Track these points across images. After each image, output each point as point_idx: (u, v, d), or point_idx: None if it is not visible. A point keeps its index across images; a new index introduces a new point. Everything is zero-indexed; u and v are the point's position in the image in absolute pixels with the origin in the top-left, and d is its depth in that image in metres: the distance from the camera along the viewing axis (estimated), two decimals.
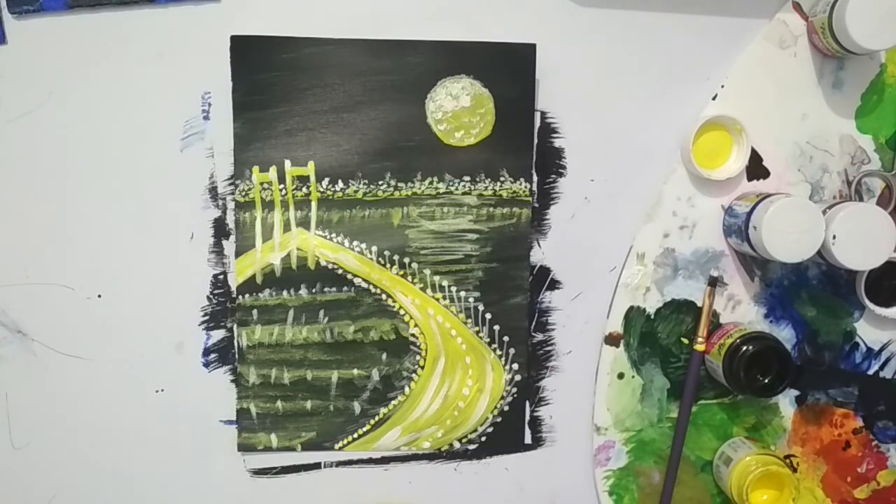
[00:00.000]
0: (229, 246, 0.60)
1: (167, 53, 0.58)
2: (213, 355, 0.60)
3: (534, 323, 0.62)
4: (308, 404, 0.61)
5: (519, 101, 0.60)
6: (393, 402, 0.61)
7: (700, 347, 0.61)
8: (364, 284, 0.60)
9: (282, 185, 0.59)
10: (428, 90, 0.59)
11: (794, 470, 0.64)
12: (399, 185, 0.60)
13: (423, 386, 0.61)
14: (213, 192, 0.59)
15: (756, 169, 0.61)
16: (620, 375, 0.63)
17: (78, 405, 0.60)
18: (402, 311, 0.61)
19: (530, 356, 0.62)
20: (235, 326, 0.60)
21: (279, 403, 0.61)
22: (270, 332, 0.60)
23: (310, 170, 0.59)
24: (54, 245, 0.59)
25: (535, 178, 0.61)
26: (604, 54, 0.60)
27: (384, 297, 0.60)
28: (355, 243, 0.60)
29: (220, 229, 0.60)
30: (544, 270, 0.62)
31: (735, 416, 0.64)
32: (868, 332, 0.64)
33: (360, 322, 0.60)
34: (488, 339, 0.61)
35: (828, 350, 0.64)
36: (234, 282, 0.60)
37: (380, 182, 0.59)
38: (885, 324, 0.63)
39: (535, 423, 0.63)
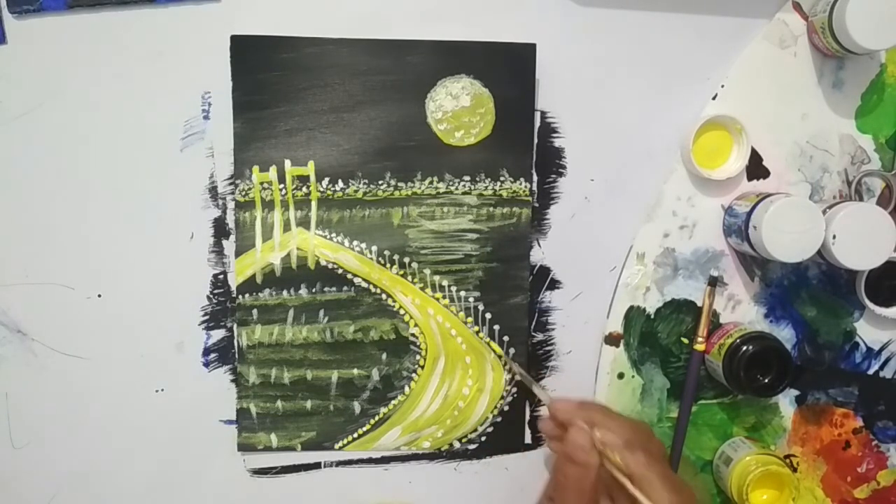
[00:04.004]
0: (229, 246, 0.60)
1: (167, 53, 0.58)
2: (213, 355, 0.60)
3: (534, 323, 0.62)
4: (308, 404, 0.61)
5: (519, 100, 0.60)
6: (393, 402, 0.61)
7: (700, 347, 0.61)
8: (364, 284, 0.60)
9: (282, 185, 0.59)
10: (428, 90, 0.59)
11: (794, 470, 0.64)
12: (399, 184, 0.60)
13: (423, 386, 0.61)
14: (213, 191, 0.59)
15: (756, 169, 0.61)
16: (620, 375, 0.63)
17: (78, 405, 0.60)
18: (402, 311, 0.61)
19: (530, 356, 0.62)
20: (235, 326, 0.60)
21: (279, 403, 0.61)
22: (270, 331, 0.60)
23: (310, 169, 0.59)
24: (54, 245, 0.59)
25: (535, 177, 0.61)
26: (604, 54, 0.60)
27: (384, 296, 0.60)
28: (355, 243, 0.60)
29: (220, 229, 0.60)
30: (544, 270, 0.62)
31: (735, 416, 0.64)
32: (868, 332, 0.64)
33: (360, 322, 0.60)
34: (488, 339, 0.61)
35: (828, 350, 0.64)
36: (234, 281, 0.60)
37: (380, 182, 0.59)
38: (885, 324, 0.63)
39: (536, 423, 0.63)
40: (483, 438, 0.62)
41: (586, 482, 0.51)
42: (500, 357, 0.61)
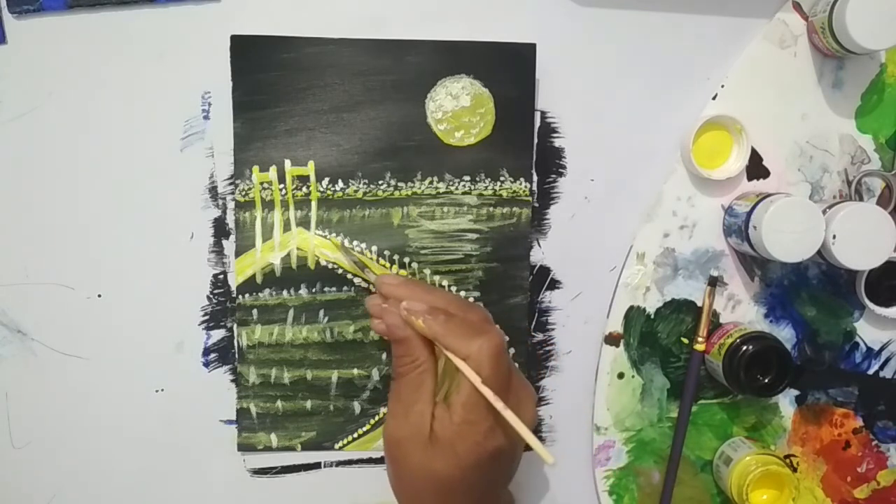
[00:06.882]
0: (229, 246, 0.60)
1: (167, 53, 0.58)
2: (213, 355, 0.60)
3: (534, 323, 0.62)
4: (308, 404, 0.61)
5: (519, 100, 0.60)
6: None
7: (700, 347, 0.61)
8: (364, 284, 0.60)
9: (282, 185, 0.59)
10: (428, 90, 0.59)
11: (794, 470, 0.64)
12: (399, 184, 0.60)
13: None
14: (213, 191, 0.59)
15: (756, 169, 0.62)
16: (620, 375, 0.63)
17: (78, 405, 0.60)
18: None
19: (530, 356, 0.62)
20: (235, 326, 0.60)
21: (279, 403, 0.61)
22: (270, 331, 0.60)
23: (310, 169, 0.59)
24: (54, 245, 0.59)
25: (535, 177, 0.61)
26: (604, 54, 0.60)
27: None
28: (355, 243, 0.60)
29: (220, 229, 0.60)
30: (544, 270, 0.62)
31: (735, 416, 0.64)
32: (868, 332, 0.64)
33: (360, 322, 0.60)
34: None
35: (828, 350, 0.64)
36: (234, 281, 0.60)
37: (380, 182, 0.59)
38: (885, 324, 0.63)
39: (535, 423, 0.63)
40: None
41: (412, 356, 0.51)
42: (338, 246, 0.59)
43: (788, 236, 0.55)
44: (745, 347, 0.58)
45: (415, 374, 0.51)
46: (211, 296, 0.60)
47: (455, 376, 0.51)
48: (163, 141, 0.58)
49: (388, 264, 0.60)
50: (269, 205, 0.59)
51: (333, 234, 0.59)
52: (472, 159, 0.60)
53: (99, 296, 0.59)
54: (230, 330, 0.60)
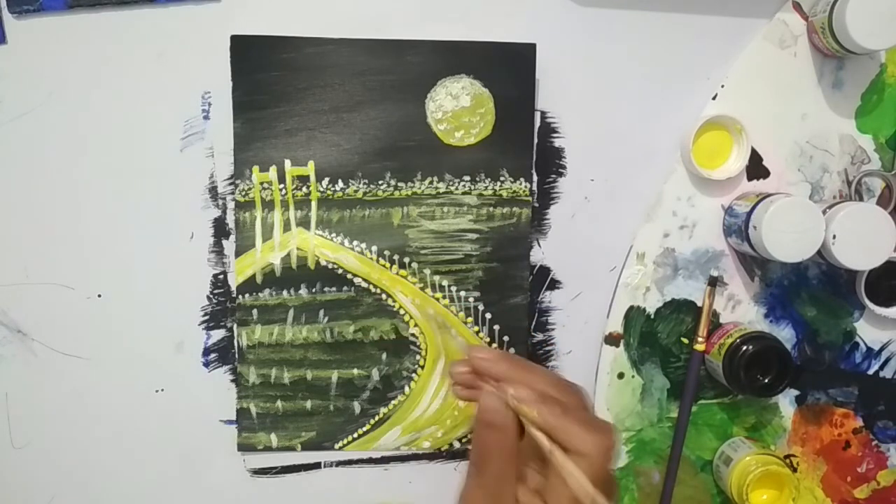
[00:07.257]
0: (229, 246, 0.60)
1: (167, 53, 0.58)
2: (213, 355, 0.60)
3: (534, 323, 0.62)
4: (308, 404, 0.61)
5: (519, 100, 0.60)
6: (393, 402, 0.61)
7: (700, 347, 0.61)
8: (364, 284, 0.60)
9: (282, 185, 0.59)
10: (428, 90, 0.59)
11: (794, 470, 0.64)
12: (399, 184, 0.60)
13: (423, 386, 0.61)
14: (213, 191, 0.59)
15: (756, 169, 0.61)
16: (620, 375, 0.63)
17: (78, 405, 0.60)
18: (402, 311, 0.61)
19: (530, 356, 0.62)
20: (235, 326, 0.60)
21: (279, 403, 0.61)
22: (270, 331, 0.60)
23: (310, 169, 0.59)
24: (54, 245, 0.59)
25: (535, 177, 0.61)
26: (604, 54, 0.60)
27: (384, 296, 0.60)
28: (355, 243, 0.60)
29: (220, 229, 0.60)
30: (544, 270, 0.62)
31: (735, 416, 0.64)
32: (868, 332, 0.64)
33: (360, 322, 0.60)
34: (488, 339, 0.61)
35: (828, 350, 0.64)
36: (234, 281, 0.60)
37: (380, 182, 0.59)
38: (885, 324, 0.63)
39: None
40: None
41: (507, 445, 0.46)
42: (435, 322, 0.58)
43: (788, 236, 0.55)
44: (745, 347, 0.58)
45: (504, 463, 0.46)
46: (211, 296, 0.60)
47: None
48: (163, 141, 0.58)
49: (388, 264, 0.60)
50: (269, 205, 0.59)
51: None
52: (472, 159, 0.60)
53: (99, 296, 0.59)
54: (230, 330, 0.60)
